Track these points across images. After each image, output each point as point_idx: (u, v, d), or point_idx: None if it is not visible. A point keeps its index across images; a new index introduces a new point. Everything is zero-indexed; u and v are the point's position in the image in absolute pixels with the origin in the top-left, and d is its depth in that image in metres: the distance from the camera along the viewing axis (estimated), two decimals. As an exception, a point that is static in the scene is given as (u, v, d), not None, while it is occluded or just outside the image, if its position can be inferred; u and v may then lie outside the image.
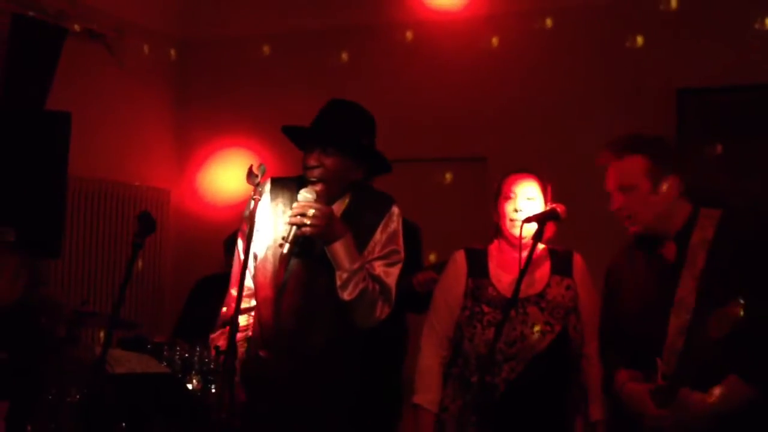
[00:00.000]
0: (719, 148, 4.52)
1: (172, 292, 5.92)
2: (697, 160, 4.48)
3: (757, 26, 4.36)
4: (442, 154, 5.22)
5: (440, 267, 3.35)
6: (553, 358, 2.87)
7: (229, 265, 3.01)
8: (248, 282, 2.86)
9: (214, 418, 2.78)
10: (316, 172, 2.79)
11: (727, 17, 4.61)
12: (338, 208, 2.86)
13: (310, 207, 2.70)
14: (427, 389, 2.95)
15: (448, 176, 5.15)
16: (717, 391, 2.34)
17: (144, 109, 5.90)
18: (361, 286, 2.72)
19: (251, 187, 2.73)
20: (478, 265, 2.99)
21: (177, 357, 3.73)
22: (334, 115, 2.87)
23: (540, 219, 2.84)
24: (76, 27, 5.15)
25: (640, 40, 4.67)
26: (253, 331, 2.90)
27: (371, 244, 2.83)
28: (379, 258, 2.82)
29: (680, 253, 2.57)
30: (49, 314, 3.80)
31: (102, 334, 4.19)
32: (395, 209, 2.89)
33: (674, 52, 4.71)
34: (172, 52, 5.99)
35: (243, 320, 2.90)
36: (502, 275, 2.95)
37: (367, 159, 2.88)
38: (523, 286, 2.78)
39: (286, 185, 2.93)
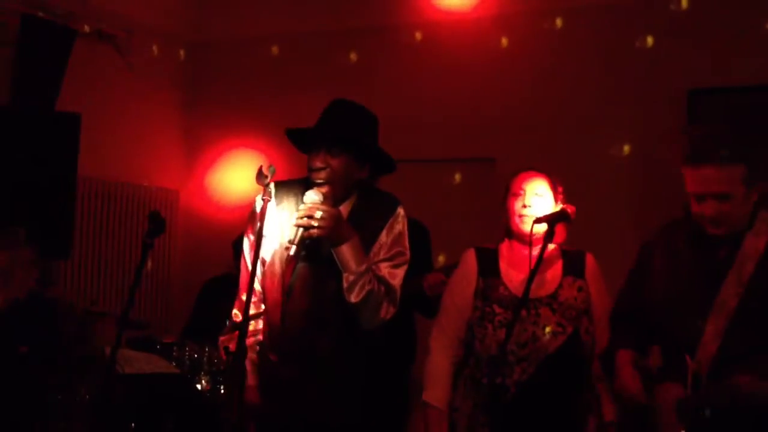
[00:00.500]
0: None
1: (181, 293, 5.93)
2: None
3: (767, 26, 4.33)
4: (450, 155, 5.21)
5: (450, 270, 3.34)
6: (564, 359, 2.85)
7: (238, 268, 3.00)
8: (257, 285, 2.85)
9: (223, 419, 2.79)
10: (323, 174, 2.79)
11: (737, 17, 4.58)
12: (344, 209, 2.85)
13: (318, 209, 2.70)
14: (435, 387, 2.94)
15: (457, 177, 5.14)
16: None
17: (153, 109, 5.90)
18: (367, 288, 2.71)
19: (260, 188, 2.73)
20: (488, 265, 2.97)
21: (186, 357, 3.74)
22: (339, 115, 2.86)
23: (550, 220, 2.83)
24: (86, 28, 5.17)
25: (650, 40, 4.65)
26: (263, 336, 2.90)
27: (377, 245, 2.83)
28: (385, 260, 2.82)
29: (729, 255, 2.51)
30: (61, 314, 3.81)
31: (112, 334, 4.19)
32: (400, 210, 2.90)
33: (685, 53, 4.68)
34: (182, 52, 6.00)
35: (252, 324, 2.90)
36: (513, 274, 2.94)
37: (372, 158, 2.88)
38: (534, 287, 2.76)
39: (291, 188, 2.92)
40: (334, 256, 2.73)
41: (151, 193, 5.80)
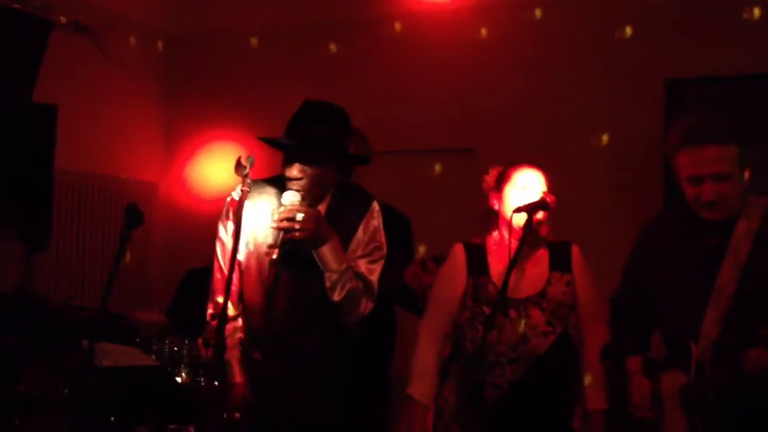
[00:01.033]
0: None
1: (161, 285, 5.90)
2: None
3: (746, 16, 4.36)
4: (430, 146, 5.21)
5: (433, 261, 3.35)
6: (554, 358, 2.84)
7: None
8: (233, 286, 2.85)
9: (211, 413, 2.79)
10: (301, 183, 2.79)
11: (716, 7, 4.61)
12: (321, 208, 2.86)
13: (298, 211, 2.71)
14: (421, 381, 2.91)
15: (438, 167, 5.14)
16: None
17: (131, 101, 5.86)
18: (348, 286, 2.77)
19: (239, 180, 2.72)
20: (477, 262, 2.93)
21: (166, 350, 3.72)
22: (313, 122, 2.84)
23: (529, 209, 2.82)
24: (62, 19, 5.11)
25: (628, 30, 4.67)
26: (244, 334, 2.91)
27: (354, 242, 2.87)
28: (362, 256, 2.86)
29: (723, 241, 2.52)
30: (48, 309, 3.80)
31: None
32: (375, 206, 2.93)
33: (663, 43, 4.71)
34: (160, 44, 5.95)
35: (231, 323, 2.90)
36: (501, 270, 2.87)
37: (349, 162, 2.93)
38: (522, 285, 2.80)
39: (264, 188, 2.92)
40: (315, 256, 2.75)
41: (129, 185, 5.76)
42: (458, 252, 2.98)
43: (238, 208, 2.72)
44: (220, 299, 2.82)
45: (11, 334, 3.34)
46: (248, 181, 2.72)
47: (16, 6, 4.77)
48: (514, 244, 2.81)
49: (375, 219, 2.92)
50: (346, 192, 2.96)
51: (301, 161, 2.78)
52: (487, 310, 2.83)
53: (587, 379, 2.86)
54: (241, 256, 2.86)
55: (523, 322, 2.82)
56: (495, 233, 2.97)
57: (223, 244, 2.94)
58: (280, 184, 2.89)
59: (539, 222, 2.84)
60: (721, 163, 2.46)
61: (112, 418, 3.16)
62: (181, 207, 5.99)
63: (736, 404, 2.39)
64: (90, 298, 5.26)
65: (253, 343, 2.87)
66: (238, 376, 2.86)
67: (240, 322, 2.92)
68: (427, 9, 5.29)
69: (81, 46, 5.38)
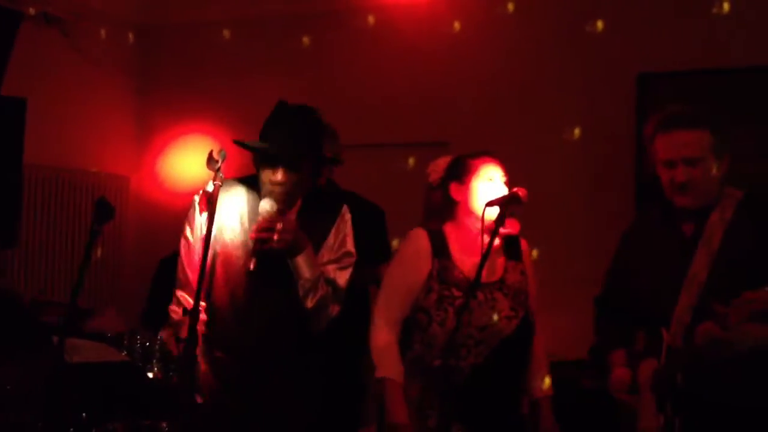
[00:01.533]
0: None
1: (132, 280, 5.86)
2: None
3: (715, 11, 4.40)
4: (404, 140, 5.21)
5: None
6: (516, 342, 2.89)
7: None
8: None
9: (180, 407, 2.77)
10: (284, 189, 2.79)
11: (686, 2, 4.65)
12: (292, 212, 2.87)
13: (277, 221, 2.71)
14: (390, 362, 2.86)
15: (411, 161, 5.14)
16: (757, 335, 2.36)
17: (102, 94, 5.81)
18: (320, 293, 2.81)
19: (212, 174, 2.70)
20: (440, 246, 2.93)
21: (137, 346, 3.69)
22: (293, 128, 2.83)
23: (502, 203, 2.83)
24: (31, 10, 5.05)
25: (600, 24, 4.69)
26: (207, 331, 2.88)
27: (325, 246, 2.89)
28: (332, 261, 2.89)
29: (697, 230, 2.58)
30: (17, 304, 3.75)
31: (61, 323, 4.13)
32: (346, 211, 2.95)
33: (635, 37, 4.74)
34: (131, 36, 5.89)
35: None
36: (465, 259, 2.92)
37: (326, 165, 2.93)
38: (486, 273, 2.78)
39: (233, 188, 2.90)
40: (289, 264, 2.77)
41: (100, 179, 5.71)
42: (421, 235, 2.95)
43: (210, 203, 2.69)
44: (186, 296, 2.85)
45: None
46: (220, 175, 2.70)
47: (-17, -3, 4.71)
48: (487, 236, 2.82)
49: (346, 224, 2.94)
50: (317, 196, 2.98)
51: (285, 166, 2.78)
52: (456, 293, 2.85)
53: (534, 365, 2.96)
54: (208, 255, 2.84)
55: (496, 310, 2.84)
56: (452, 222, 2.97)
57: (188, 243, 2.92)
58: (250, 185, 2.89)
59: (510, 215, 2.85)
60: (692, 147, 2.55)
61: (84, 415, 3.14)
62: (153, 201, 5.94)
63: (704, 387, 2.44)
64: (60, 293, 5.22)
65: (216, 341, 2.87)
66: (203, 366, 2.87)
67: (203, 316, 2.90)
68: (400, 2, 5.28)
69: (50, 38, 5.32)
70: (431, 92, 5.20)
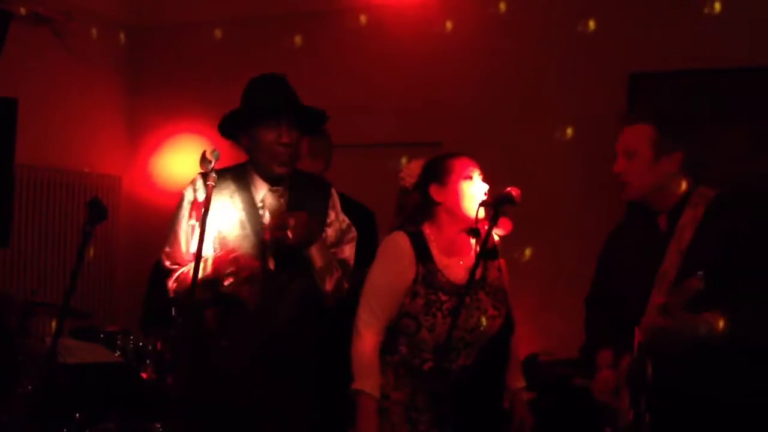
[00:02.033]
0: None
1: (125, 281, 5.85)
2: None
3: (706, 11, 4.41)
4: (396, 139, 5.21)
5: None
6: (500, 340, 2.92)
7: None
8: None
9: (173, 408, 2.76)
10: (291, 151, 2.81)
11: (677, 1, 4.66)
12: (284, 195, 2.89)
13: (288, 218, 2.72)
14: (369, 375, 2.81)
15: (404, 161, 5.14)
16: (705, 323, 2.40)
17: (94, 94, 5.79)
18: (336, 275, 2.85)
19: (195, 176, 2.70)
20: (422, 250, 2.89)
21: (131, 346, 3.70)
22: (284, 89, 2.88)
23: (496, 203, 2.83)
24: (22, 10, 5.03)
25: (592, 24, 4.70)
26: (214, 320, 2.87)
27: (329, 226, 2.93)
28: (339, 240, 2.94)
29: (670, 228, 2.62)
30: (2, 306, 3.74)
31: (53, 325, 4.13)
32: (333, 191, 3.00)
33: (626, 37, 4.75)
34: (122, 36, 5.88)
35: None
36: (445, 260, 2.89)
37: (312, 131, 2.97)
38: (464, 274, 2.81)
39: (222, 177, 2.87)
40: (305, 255, 2.79)
41: (92, 179, 5.70)
42: (402, 240, 2.89)
43: (206, 201, 2.68)
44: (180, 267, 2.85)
45: None
46: (213, 175, 2.69)
47: (-27, -3, 4.69)
48: (475, 237, 2.82)
49: (336, 199, 3.00)
50: (301, 175, 2.98)
51: (288, 125, 2.80)
52: (443, 297, 2.83)
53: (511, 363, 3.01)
54: (209, 245, 2.83)
55: (483, 311, 2.84)
56: (431, 223, 2.94)
57: (183, 229, 2.91)
58: (238, 173, 2.89)
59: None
60: (627, 141, 2.67)
61: (77, 415, 3.14)
62: (145, 201, 5.93)
63: (671, 380, 2.47)
64: (52, 294, 5.20)
65: (224, 330, 2.84)
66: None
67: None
68: (392, 2, 5.28)
69: (41, 37, 5.31)
70: (423, 92, 5.19)
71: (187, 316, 2.75)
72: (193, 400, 2.81)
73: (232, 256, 2.72)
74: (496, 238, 2.97)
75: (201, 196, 2.79)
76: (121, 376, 3.25)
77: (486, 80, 5.08)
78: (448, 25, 5.09)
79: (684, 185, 2.65)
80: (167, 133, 5.90)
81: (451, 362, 2.80)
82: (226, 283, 2.70)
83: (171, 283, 2.88)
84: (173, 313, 3.65)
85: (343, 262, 2.93)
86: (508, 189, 2.83)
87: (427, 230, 2.93)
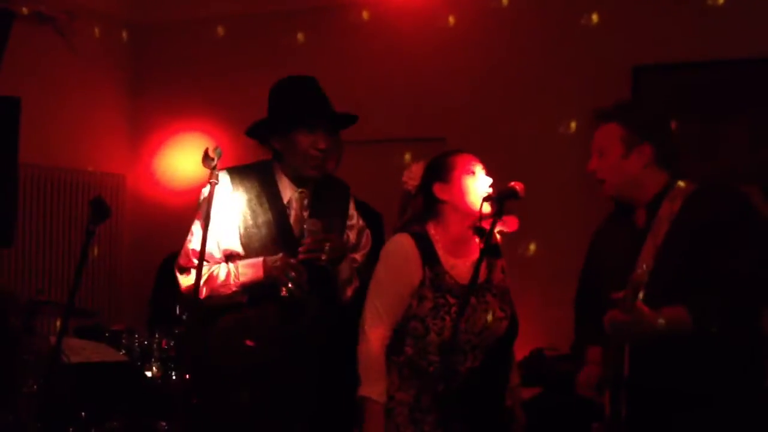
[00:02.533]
0: (673, 126, 4.55)
1: (130, 279, 5.85)
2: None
3: (709, 2, 4.40)
4: (400, 135, 5.20)
5: None
6: (507, 341, 2.90)
7: None
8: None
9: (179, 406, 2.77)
10: (325, 155, 2.89)
11: (681, -6, 4.65)
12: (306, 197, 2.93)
13: (325, 242, 2.79)
14: (376, 381, 2.80)
15: (407, 157, 5.13)
16: (664, 317, 2.40)
17: (97, 93, 5.79)
18: (354, 285, 2.96)
19: (208, 171, 2.70)
20: (428, 252, 2.86)
21: (136, 344, 3.70)
22: (320, 93, 2.95)
23: (500, 198, 2.81)
24: (24, 10, 5.02)
25: (595, 17, 4.69)
26: (234, 321, 2.89)
27: (350, 230, 3.02)
28: (358, 248, 3.04)
29: (648, 222, 2.62)
30: (4, 305, 3.74)
31: (58, 324, 4.13)
32: (349, 191, 3.09)
33: (629, 30, 4.74)
34: (125, 34, 5.88)
35: None
36: (452, 260, 2.87)
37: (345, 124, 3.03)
38: (471, 274, 2.80)
39: (247, 175, 2.91)
40: (331, 271, 2.88)
41: (96, 178, 5.70)
42: (407, 242, 2.86)
43: (208, 199, 2.69)
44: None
45: None
46: (216, 173, 2.70)
47: (-25, -3, 4.69)
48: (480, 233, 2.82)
49: (353, 203, 3.07)
50: (325, 179, 3.03)
51: (324, 133, 2.86)
52: (451, 300, 2.80)
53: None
54: (232, 245, 2.88)
55: (490, 312, 2.83)
56: (436, 222, 2.92)
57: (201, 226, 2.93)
58: (262, 171, 2.91)
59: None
60: (599, 139, 2.71)
61: (83, 414, 3.14)
62: (149, 199, 5.93)
63: (644, 375, 2.47)
64: (56, 292, 5.20)
65: (245, 331, 2.86)
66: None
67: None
68: (394, -3, 5.28)
69: (44, 37, 5.30)
70: (427, 87, 5.19)
71: (196, 315, 2.75)
72: (204, 398, 2.81)
73: (287, 261, 2.79)
74: (498, 237, 2.96)
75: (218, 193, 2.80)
76: (126, 374, 3.25)
77: (489, 75, 5.06)
78: (451, 19, 5.08)
79: (661, 179, 2.64)
80: (171, 132, 5.90)
81: (458, 364, 2.78)
82: (286, 288, 2.77)
83: (201, 285, 2.87)
84: (178, 311, 3.66)
85: (360, 270, 3.01)
86: (512, 183, 2.82)
87: (432, 230, 2.90)
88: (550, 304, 4.35)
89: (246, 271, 2.84)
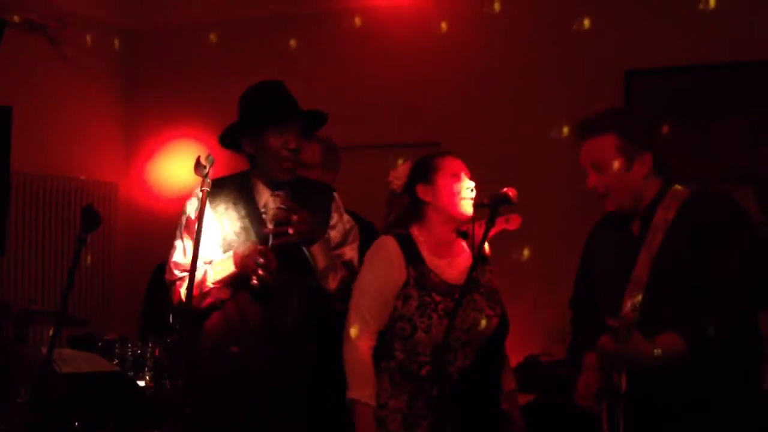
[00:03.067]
0: (666, 129, 4.55)
1: (123, 288, 5.83)
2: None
3: (701, 7, 4.40)
4: (394, 140, 5.20)
5: None
6: (497, 341, 2.90)
7: None
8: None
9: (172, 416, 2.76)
10: (296, 155, 2.87)
11: (673, -2, 4.66)
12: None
13: (291, 213, 2.75)
14: (365, 383, 2.80)
15: (400, 162, 5.12)
16: (659, 346, 2.34)
17: (89, 100, 5.78)
18: (339, 274, 2.89)
19: (200, 179, 2.70)
20: (412, 252, 2.87)
21: (129, 354, 3.68)
22: (287, 95, 2.94)
23: (492, 204, 2.81)
24: (16, 18, 5.02)
25: (587, 22, 4.69)
26: (218, 329, 2.88)
27: (332, 228, 2.98)
28: (344, 243, 2.99)
29: (642, 231, 2.58)
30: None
31: (50, 333, 4.12)
32: (335, 192, 3.07)
33: (622, 34, 4.75)
34: (116, 42, 5.87)
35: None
36: (436, 260, 2.88)
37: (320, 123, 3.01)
38: (456, 274, 2.82)
39: (222, 185, 2.91)
40: (306, 253, 2.82)
41: (88, 186, 5.68)
42: (391, 243, 2.88)
43: (200, 206, 2.68)
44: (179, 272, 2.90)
45: None
46: (208, 180, 2.69)
47: (-34, 5, 4.68)
48: (479, 235, 2.81)
49: (340, 204, 3.05)
50: (306, 183, 3.04)
51: (296, 131, 2.85)
52: (437, 298, 2.81)
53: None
54: (210, 255, 2.87)
55: (478, 310, 2.83)
56: (419, 224, 2.93)
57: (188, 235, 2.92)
58: (239, 181, 2.92)
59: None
60: (596, 152, 2.59)
61: (76, 424, 3.12)
62: (142, 207, 5.91)
63: (639, 388, 2.45)
64: (50, 302, 5.18)
65: (231, 335, 2.85)
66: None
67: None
68: (387, 2, 5.28)
69: (35, 44, 5.29)
70: (420, 93, 5.19)
71: (189, 324, 2.74)
72: (196, 406, 2.80)
73: (256, 248, 2.78)
74: (487, 248, 2.96)
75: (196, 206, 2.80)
76: (118, 384, 3.24)
77: (482, 79, 5.07)
78: (443, 25, 5.08)
79: (656, 186, 2.60)
80: (164, 139, 5.89)
81: (449, 364, 2.77)
82: (256, 276, 2.75)
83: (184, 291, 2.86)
84: (171, 321, 3.64)
85: (348, 264, 2.96)
86: (505, 189, 2.82)
87: (416, 231, 2.92)
88: (543, 310, 4.35)
89: (220, 268, 2.85)
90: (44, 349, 2.90)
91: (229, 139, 2.97)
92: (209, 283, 2.86)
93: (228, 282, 2.85)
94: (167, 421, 2.96)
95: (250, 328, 2.83)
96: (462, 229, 2.93)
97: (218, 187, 2.88)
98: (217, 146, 3.00)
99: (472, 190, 2.91)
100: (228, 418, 2.82)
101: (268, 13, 5.57)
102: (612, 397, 2.50)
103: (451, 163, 2.93)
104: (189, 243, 2.89)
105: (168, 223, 4.78)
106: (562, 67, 4.88)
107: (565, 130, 4.70)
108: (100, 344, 3.80)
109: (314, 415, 2.89)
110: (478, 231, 2.83)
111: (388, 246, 2.88)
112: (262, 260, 2.75)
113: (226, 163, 3.07)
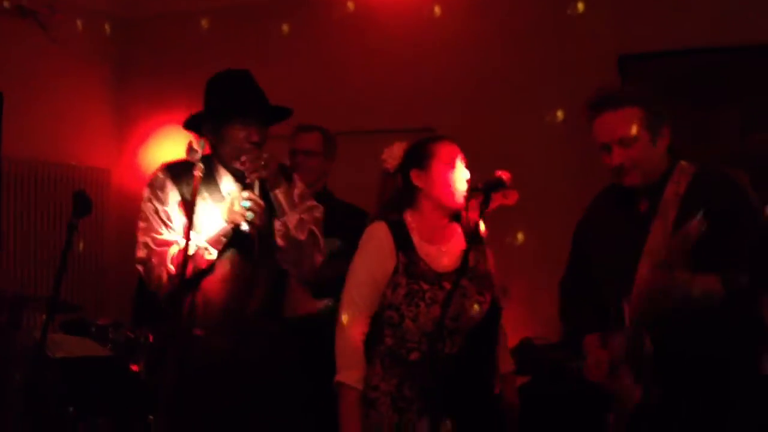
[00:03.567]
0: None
1: (115, 274, 5.83)
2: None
3: (695, -10, 4.41)
4: (388, 126, 5.18)
5: None
6: (487, 327, 2.88)
7: None
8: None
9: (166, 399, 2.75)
10: (259, 148, 2.84)
11: (666, -18, 4.65)
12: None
13: (261, 153, 2.78)
14: (353, 366, 2.80)
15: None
16: (700, 283, 2.35)
17: (80, 86, 5.75)
18: (308, 226, 2.87)
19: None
20: (403, 239, 2.86)
21: (122, 339, 3.68)
22: (252, 86, 2.93)
23: (486, 188, 2.80)
24: (6, 3, 4.99)
25: (581, 6, 4.67)
26: (184, 312, 2.88)
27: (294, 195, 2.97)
28: (305, 210, 2.95)
29: (652, 205, 2.57)
30: None
31: (43, 318, 4.11)
32: (297, 177, 3.05)
33: (615, 18, 4.74)
34: (107, 27, 5.83)
35: None
36: (426, 248, 2.87)
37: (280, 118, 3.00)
38: (446, 262, 2.81)
39: (185, 169, 2.87)
40: (273, 199, 2.82)
41: (80, 172, 5.67)
42: (382, 229, 2.86)
43: (194, 189, 2.69)
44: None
45: None
46: (200, 165, 2.70)
47: (-45, -10, 4.65)
48: (473, 219, 2.80)
49: (302, 186, 3.03)
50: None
51: (257, 123, 2.85)
52: (425, 286, 2.80)
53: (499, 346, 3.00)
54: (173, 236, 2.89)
55: (466, 297, 2.81)
56: (413, 210, 2.92)
57: (161, 214, 2.93)
58: (206, 166, 2.87)
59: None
60: (623, 126, 2.53)
61: (71, 409, 3.12)
62: (134, 193, 5.85)
63: (671, 344, 2.45)
64: (43, 288, 5.17)
65: (196, 317, 2.86)
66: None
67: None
68: (379, -13, 5.25)
69: (26, 30, 5.27)
70: (414, 78, 5.17)
71: (176, 308, 2.73)
72: (178, 393, 2.80)
73: (240, 195, 2.78)
74: (483, 228, 2.95)
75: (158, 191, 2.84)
76: (111, 369, 3.24)
77: (476, 65, 5.06)
78: (437, 10, 5.05)
79: (666, 161, 2.61)
80: (155, 125, 5.87)
81: (437, 351, 2.77)
82: (247, 219, 2.77)
83: (170, 267, 2.86)
84: (164, 306, 3.63)
85: (311, 231, 2.93)
86: (499, 173, 2.80)
87: (409, 218, 2.90)
88: (538, 294, 4.35)
89: (209, 232, 2.85)
90: (37, 334, 2.89)
91: (193, 126, 2.97)
92: (202, 247, 2.84)
93: (218, 240, 2.85)
94: (159, 405, 2.97)
95: (214, 312, 2.84)
96: (462, 213, 2.90)
97: (179, 171, 2.88)
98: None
99: (466, 182, 2.89)
100: (196, 400, 2.82)
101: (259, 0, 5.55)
102: (638, 362, 2.49)
103: (447, 150, 2.89)
104: (166, 231, 2.91)
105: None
106: (556, 52, 4.87)
107: (560, 114, 4.69)
108: (93, 329, 3.79)
109: (286, 397, 2.90)
110: (472, 215, 2.83)
111: (379, 232, 2.87)
112: (249, 201, 2.76)
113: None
